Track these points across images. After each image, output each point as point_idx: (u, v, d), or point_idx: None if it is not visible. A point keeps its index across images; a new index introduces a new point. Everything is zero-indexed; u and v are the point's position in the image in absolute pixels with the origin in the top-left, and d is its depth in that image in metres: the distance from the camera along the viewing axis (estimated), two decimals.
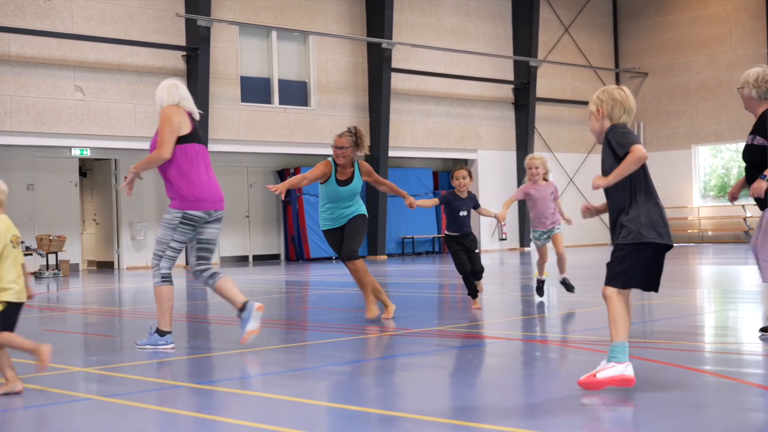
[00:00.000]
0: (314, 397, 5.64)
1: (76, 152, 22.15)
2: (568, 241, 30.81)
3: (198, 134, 7.97)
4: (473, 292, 10.11)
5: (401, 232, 27.32)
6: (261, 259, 25.97)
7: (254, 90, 24.45)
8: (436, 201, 10.29)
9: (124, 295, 15.19)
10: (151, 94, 22.19)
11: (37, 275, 20.45)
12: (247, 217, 25.69)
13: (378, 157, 25.65)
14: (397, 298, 12.56)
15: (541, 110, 30.42)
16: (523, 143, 29.53)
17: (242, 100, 23.98)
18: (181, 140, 7.76)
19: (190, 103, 7.98)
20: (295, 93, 25.23)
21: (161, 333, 7.67)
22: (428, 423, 4.76)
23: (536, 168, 10.88)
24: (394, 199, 27.01)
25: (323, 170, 9.35)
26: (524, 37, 29.49)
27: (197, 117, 8.06)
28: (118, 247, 23.63)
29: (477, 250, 10.20)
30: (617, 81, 33.03)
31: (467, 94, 28.57)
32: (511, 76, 29.65)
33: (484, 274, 10.44)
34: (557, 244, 10.97)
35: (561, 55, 31.15)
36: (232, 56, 23.82)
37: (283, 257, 26.34)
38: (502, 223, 28.85)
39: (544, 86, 30.50)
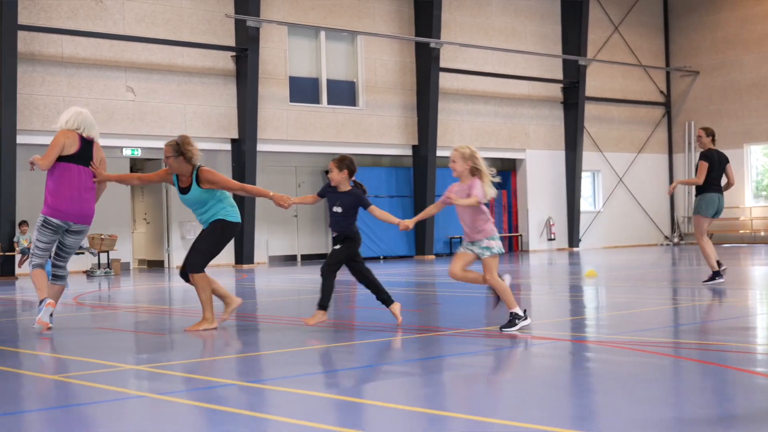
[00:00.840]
0: (364, 396, 5.65)
1: (127, 152, 22.40)
2: (615, 241, 30.70)
3: (83, 156, 9.22)
4: (323, 303, 9.04)
5: (449, 232, 27.28)
6: (309, 259, 26.07)
7: (303, 90, 24.56)
8: (315, 196, 9.33)
9: (174, 293, 15.34)
10: (201, 95, 22.40)
11: (89, 273, 20.71)
12: (296, 216, 25.80)
13: (426, 156, 25.66)
14: (445, 298, 12.55)
15: (590, 109, 30.20)
16: (572, 143, 29.34)
17: (291, 100, 24.10)
18: (64, 159, 9.12)
19: (90, 130, 9.30)
20: (344, 93, 25.31)
21: (40, 302, 9.03)
22: (477, 423, 4.75)
23: (452, 162, 8.67)
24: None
25: (160, 175, 9.50)
26: (573, 36, 29.28)
27: (97, 140, 9.39)
28: (168, 246, 23.88)
29: (337, 246, 9.08)
30: (668, 80, 32.71)
31: (516, 94, 28.46)
32: (560, 75, 29.47)
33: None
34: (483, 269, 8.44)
35: (610, 53, 30.89)
36: (281, 56, 23.95)
37: None
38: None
39: (593, 85, 30.27)
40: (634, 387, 5.64)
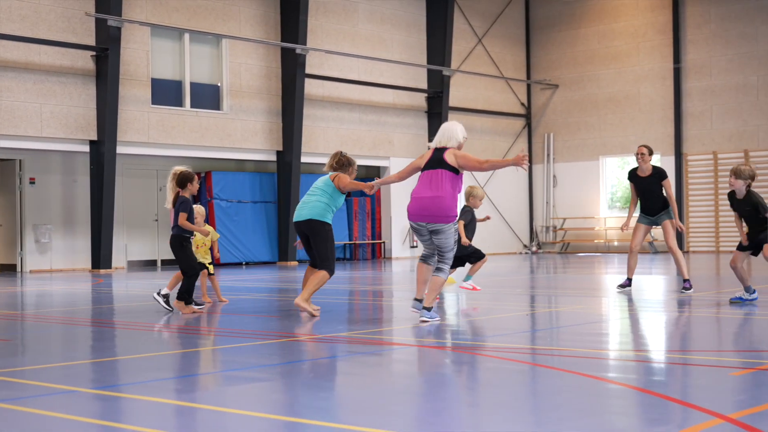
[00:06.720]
0: (222, 404, 5.56)
1: None
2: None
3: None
4: None
5: None
6: (171, 264, 25.62)
7: (165, 92, 24.14)
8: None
9: (26, 298, 14.83)
10: (59, 94, 21.73)
11: None
12: (156, 221, 25.32)
13: (290, 162, 25.56)
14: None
15: (453, 119, 30.57)
16: None
17: (153, 102, 23.65)
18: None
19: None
20: (208, 96, 24.99)
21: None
22: (316, 427, 4.73)
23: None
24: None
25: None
26: (438, 47, 29.68)
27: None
28: (21, 249, 23.08)
29: None
30: (529, 92, 33.49)
31: (381, 102, 28.66)
32: (424, 85, 29.83)
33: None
34: None
35: (474, 65, 31.44)
36: (143, 57, 23.48)
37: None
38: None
39: (457, 95, 30.75)
40: (483, 392, 5.72)
